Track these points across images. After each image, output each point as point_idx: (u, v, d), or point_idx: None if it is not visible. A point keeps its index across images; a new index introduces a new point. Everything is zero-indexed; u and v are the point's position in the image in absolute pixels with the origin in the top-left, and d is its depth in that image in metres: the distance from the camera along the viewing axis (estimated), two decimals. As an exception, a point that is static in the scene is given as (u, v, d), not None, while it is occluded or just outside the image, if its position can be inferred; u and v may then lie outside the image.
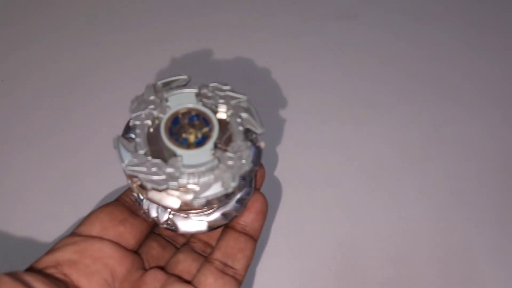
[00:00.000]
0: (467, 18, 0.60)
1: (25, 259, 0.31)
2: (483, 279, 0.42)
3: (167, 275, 0.32)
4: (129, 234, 0.33)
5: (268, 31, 0.58)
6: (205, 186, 0.27)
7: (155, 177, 0.27)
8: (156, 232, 0.36)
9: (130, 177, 0.28)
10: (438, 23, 0.60)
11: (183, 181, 0.27)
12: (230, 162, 0.28)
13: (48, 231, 0.43)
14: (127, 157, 0.27)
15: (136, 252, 0.34)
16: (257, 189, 0.35)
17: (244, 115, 0.29)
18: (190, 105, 0.29)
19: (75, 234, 0.32)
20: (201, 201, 0.27)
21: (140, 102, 0.30)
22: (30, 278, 0.27)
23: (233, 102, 0.30)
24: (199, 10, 0.60)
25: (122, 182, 0.44)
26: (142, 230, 0.34)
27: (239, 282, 0.32)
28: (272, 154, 0.47)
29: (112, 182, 0.45)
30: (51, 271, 0.29)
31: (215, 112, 0.30)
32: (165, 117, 0.29)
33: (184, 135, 0.28)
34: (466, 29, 0.59)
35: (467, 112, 0.52)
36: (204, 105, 0.30)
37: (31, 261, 0.30)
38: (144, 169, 0.27)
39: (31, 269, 0.29)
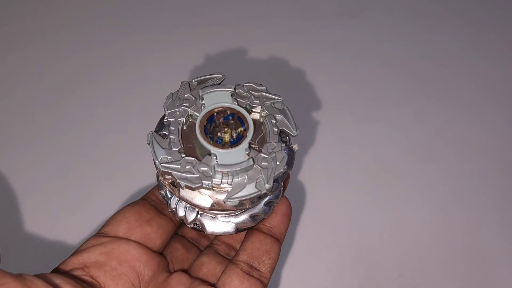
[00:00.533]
0: (471, 18, 0.59)
1: (50, 260, 0.32)
2: (492, 279, 0.41)
3: (192, 278, 0.32)
4: (155, 234, 0.33)
5: (268, 29, 0.58)
6: (239, 187, 0.27)
7: (189, 175, 0.26)
8: (180, 233, 0.36)
9: (163, 174, 0.27)
10: (442, 22, 0.59)
11: (216, 180, 0.27)
12: (264, 163, 0.27)
13: (71, 231, 0.43)
14: (161, 154, 0.27)
15: (161, 253, 0.34)
16: None
17: (279, 116, 0.29)
18: (226, 104, 0.29)
19: (101, 234, 0.32)
20: (234, 201, 0.27)
21: (174, 99, 0.29)
22: (59, 281, 0.27)
23: (267, 103, 0.29)
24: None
25: (145, 181, 0.45)
26: (169, 230, 0.34)
27: (264, 285, 0.31)
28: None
29: (137, 182, 0.45)
30: (78, 273, 0.29)
31: (249, 112, 0.29)
32: (200, 115, 0.29)
33: (219, 134, 0.28)
34: (470, 28, 0.58)
35: (471, 112, 0.51)
36: (239, 104, 0.29)
37: (54, 263, 0.30)
38: (178, 166, 0.27)
39: (57, 271, 0.29)
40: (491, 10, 0.60)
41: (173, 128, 0.28)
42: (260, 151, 0.28)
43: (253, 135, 0.28)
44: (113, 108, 0.51)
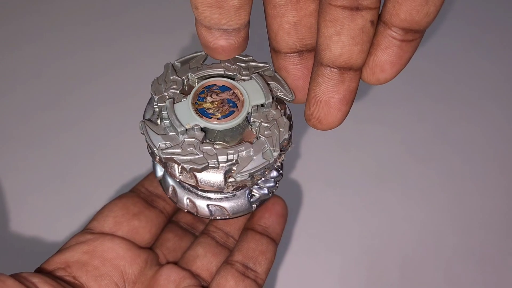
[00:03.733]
0: (472, 16, 0.57)
1: (39, 258, 0.29)
2: (494, 279, 0.40)
3: (182, 272, 0.30)
4: (143, 228, 0.30)
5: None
6: (246, 160, 0.25)
7: (193, 157, 0.24)
8: (173, 219, 0.34)
9: (166, 160, 0.25)
10: (443, 20, 0.56)
11: (222, 157, 0.24)
12: (267, 132, 0.25)
13: (69, 230, 0.41)
14: (158, 141, 0.25)
15: (151, 248, 0.31)
16: (274, 194, 0.32)
17: (272, 83, 0.26)
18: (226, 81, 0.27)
19: (87, 230, 0.29)
20: (244, 175, 0.24)
21: (161, 83, 0.27)
22: (37, 280, 0.25)
23: (256, 72, 0.27)
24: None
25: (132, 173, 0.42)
26: (159, 223, 0.31)
27: (260, 286, 0.29)
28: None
29: (126, 173, 0.43)
30: (60, 273, 0.26)
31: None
32: (196, 87, 0.26)
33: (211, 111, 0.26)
34: (471, 28, 0.56)
35: (471, 112, 0.49)
36: (227, 76, 0.27)
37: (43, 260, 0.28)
38: (179, 150, 0.24)
39: (41, 271, 0.27)
40: (492, 9, 0.58)
41: (164, 113, 0.26)
42: (261, 123, 0.26)
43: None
44: (112, 108, 0.48)
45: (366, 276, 0.39)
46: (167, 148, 0.24)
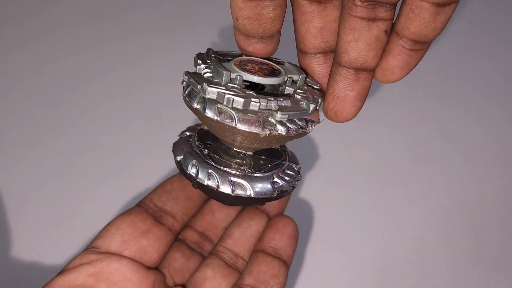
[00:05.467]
0: (473, 15, 0.56)
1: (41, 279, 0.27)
2: (495, 280, 0.39)
3: None
4: (152, 247, 0.28)
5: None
6: (285, 107, 0.25)
7: (236, 93, 0.24)
8: (180, 237, 0.32)
9: (210, 93, 0.25)
10: None
11: (263, 101, 0.24)
12: (302, 95, 0.26)
13: (61, 227, 0.39)
14: (204, 81, 0.25)
15: (157, 267, 0.29)
16: (284, 215, 0.30)
17: (303, 75, 0.28)
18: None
19: (92, 249, 0.27)
20: (284, 115, 0.25)
21: (203, 57, 0.27)
22: None
23: (287, 64, 0.28)
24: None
25: (147, 184, 0.40)
26: (167, 242, 0.29)
27: None
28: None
29: (126, 173, 0.41)
30: (64, 298, 0.25)
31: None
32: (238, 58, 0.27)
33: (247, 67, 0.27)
34: (471, 28, 0.55)
35: (472, 112, 0.49)
36: None
37: (46, 277, 0.26)
38: (223, 88, 0.25)
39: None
40: (492, 9, 0.57)
41: (207, 70, 0.26)
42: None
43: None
44: (113, 108, 0.46)
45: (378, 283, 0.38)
46: (213, 86, 0.25)
